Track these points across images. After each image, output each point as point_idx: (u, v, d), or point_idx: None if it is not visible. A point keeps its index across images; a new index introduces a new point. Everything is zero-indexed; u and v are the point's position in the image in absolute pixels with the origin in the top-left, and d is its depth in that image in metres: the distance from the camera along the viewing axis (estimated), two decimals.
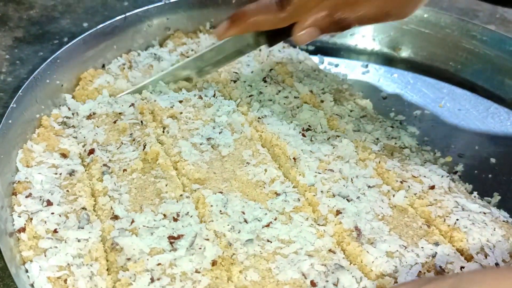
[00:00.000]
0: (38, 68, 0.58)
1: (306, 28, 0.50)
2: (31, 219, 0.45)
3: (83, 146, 0.54)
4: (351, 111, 0.61)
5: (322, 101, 0.61)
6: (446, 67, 0.73)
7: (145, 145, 0.52)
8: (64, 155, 0.52)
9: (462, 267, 0.43)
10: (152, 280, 0.41)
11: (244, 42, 0.57)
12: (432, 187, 0.51)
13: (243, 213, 0.47)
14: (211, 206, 0.47)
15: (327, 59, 0.73)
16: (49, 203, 0.47)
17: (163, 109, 0.58)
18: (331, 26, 0.51)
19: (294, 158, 0.53)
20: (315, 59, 0.72)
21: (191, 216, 0.46)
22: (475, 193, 0.53)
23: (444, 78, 0.71)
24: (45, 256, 0.42)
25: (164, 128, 0.56)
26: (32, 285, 0.40)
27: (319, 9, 0.50)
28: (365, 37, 0.76)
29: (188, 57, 0.66)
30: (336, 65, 0.73)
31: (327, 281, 0.41)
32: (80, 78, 0.62)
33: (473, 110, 0.66)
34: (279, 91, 0.62)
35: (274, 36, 0.55)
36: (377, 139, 0.57)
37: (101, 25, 0.65)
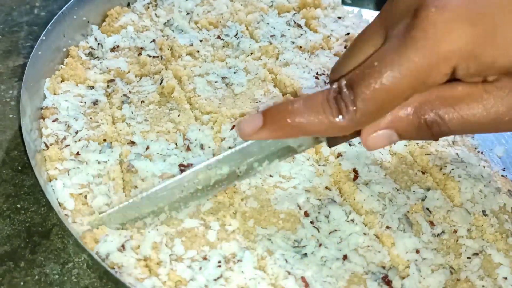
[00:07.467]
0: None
1: (380, 130, 0.37)
2: (57, 141, 0.53)
3: (106, 77, 0.61)
4: None
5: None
6: None
7: (162, 79, 0.60)
8: (90, 86, 0.60)
9: (448, 211, 0.50)
10: None
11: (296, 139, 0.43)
12: None
13: None
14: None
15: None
16: (74, 128, 0.55)
17: (181, 46, 0.65)
18: (419, 131, 0.36)
19: None
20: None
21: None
22: (479, 148, 0.58)
23: None
24: (68, 175, 0.50)
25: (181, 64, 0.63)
26: (57, 199, 0.48)
27: (402, 104, 0.36)
28: None
29: None
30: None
31: (319, 212, 0.48)
32: (107, 15, 0.69)
33: None
34: (301, 35, 0.68)
35: (336, 136, 0.41)
36: None
37: None
